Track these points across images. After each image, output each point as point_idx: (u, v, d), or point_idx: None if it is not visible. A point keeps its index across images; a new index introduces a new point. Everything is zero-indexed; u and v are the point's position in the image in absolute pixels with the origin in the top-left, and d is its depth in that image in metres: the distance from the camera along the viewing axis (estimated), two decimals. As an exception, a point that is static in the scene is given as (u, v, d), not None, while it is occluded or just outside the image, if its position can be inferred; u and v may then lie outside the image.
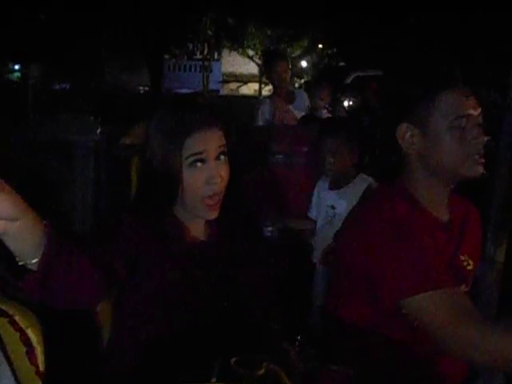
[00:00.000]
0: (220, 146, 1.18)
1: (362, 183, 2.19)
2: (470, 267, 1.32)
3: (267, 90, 18.84)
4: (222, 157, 1.19)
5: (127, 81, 16.19)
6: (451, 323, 1.09)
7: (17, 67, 15.95)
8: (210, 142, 1.17)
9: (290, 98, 3.71)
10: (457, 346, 1.10)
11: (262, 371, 0.91)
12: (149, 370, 1.13)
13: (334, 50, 17.75)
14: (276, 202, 2.66)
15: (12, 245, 0.87)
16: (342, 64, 16.68)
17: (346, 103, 7.03)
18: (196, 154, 1.15)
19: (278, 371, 0.94)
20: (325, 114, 3.87)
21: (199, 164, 1.16)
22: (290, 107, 3.69)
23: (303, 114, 3.73)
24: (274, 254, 1.35)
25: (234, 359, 0.92)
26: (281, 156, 2.84)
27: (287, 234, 2.22)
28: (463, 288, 1.29)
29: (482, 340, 1.06)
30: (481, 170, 1.21)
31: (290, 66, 3.86)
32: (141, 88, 17.16)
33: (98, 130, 3.84)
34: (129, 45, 15.04)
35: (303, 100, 3.85)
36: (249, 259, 1.30)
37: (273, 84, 3.80)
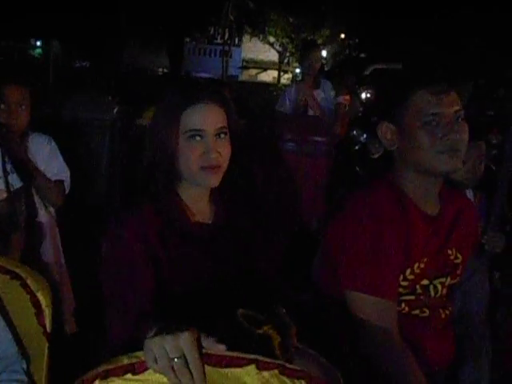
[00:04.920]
0: (220, 124, 1.19)
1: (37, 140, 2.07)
2: (457, 260, 1.37)
3: (286, 78, 18.75)
4: (223, 135, 1.20)
5: (146, 62, 16.24)
6: (373, 329, 1.21)
7: (39, 43, 16.05)
8: (207, 118, 1.18)
9: (316, 84, 4.03)
10: (369, 349, 1.23)
11: (260, 331, 0.97)
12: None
13: (356, 40, 17.59)
14: (287, 188, 2.71)
15: None
16: (362, 55, 16.54)
17: (363, 95, 7.02)
18: (193, 130, 1.17)
19: (273, 338, 0.99)
20: (341, 99, 4.10)
21: (197, 138, 1.18)
22: (315, 93, 3.96)
23: (326, 101, 4.01)
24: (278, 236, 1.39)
25: (241, 310, 0.98)
26: (291, 143, 2.90)
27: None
28: (449, 280, 1.36)
29: (390, 355, 1.20)
30: (455, 164, 1.25)
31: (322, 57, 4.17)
32: (160, 70, 17.20)
33: (115, 110, 3.92)
34: (149, 26, 15.05)
35: (327, 87, 4.14)
36: (255, 243, 1.31)
37: (303, 70, 4.15)
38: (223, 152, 1.20)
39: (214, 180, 1.20)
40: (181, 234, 1.21)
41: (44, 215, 2.04)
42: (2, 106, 1.94)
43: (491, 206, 1.95)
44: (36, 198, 2.01)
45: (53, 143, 2.09)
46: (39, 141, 2.07)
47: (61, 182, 2.06)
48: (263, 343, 0.98)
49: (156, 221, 1.19)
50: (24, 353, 1.10)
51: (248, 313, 1.00)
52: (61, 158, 2.09)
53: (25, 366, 1.09)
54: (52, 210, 2.07)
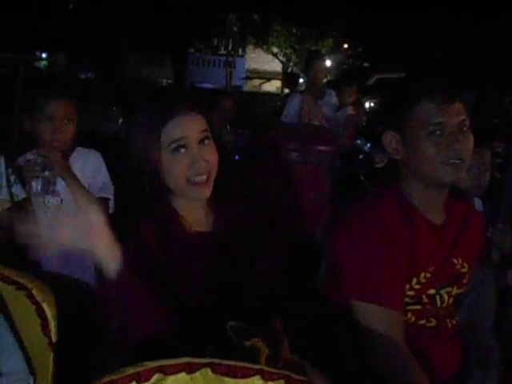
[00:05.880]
0: (202, 131, 1.18)
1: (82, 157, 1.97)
2: (463, 269, 1.37)
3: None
4: (206, 141, 1.19)
5: (150, 73, 16.34)
6: (380, 339, 1.21)
7: (44, 55, 16.20)
8: (189, 127, 1.17)
9: (320, 94, 4.03)
10: (376, 359, 1.22)
11: (249, 343, 0.98)
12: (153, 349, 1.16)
13: (359, 50, 17.67)
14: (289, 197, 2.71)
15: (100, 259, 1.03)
16: (366, 65, 16.59)
17: (367, 104, 7.06)
18: (176, 140, 1.16)
19: (261, 350, 1.00)
20: (350, 110, 4.06)
21: (182, 150, 1.16)
22: (319, 103, 3.96)
23: (330, 111, 4.04)
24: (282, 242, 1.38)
25: (230, 324, 0.99)
26: (295, 153, 2.91)
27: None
28: (455, 290, 1.35)
29: (397, 364, 1.20)
30: (459, 174, 1.25)
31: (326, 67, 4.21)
32: (164, 81, 17.29)
33: (120, 121, 3.95)
34: (154, 38, 15.16)
35: (331, 97, 4.14)
36: (256, 251, 1.29)
37: (307, 79, 4.17)
38: (210, 159, 1.19)
39: (204, 192, 1.19)
40: (179, 244, 1.18)
41: None
42: (48, 121, 1.85)
43: (500, 202, 1.95)
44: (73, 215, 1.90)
45: (100, 159, 2.00)
46: (87, 156, 1.98)
47: (105, 199, 1.93)
48: (250, 355, 0.98)
49: (155, 233, 1.16)
50: (31, 368, 1.09)
51: (238, 325, 1.00)
52: (107, 175, 1.98)
53: (31, 381, 1.08)
54: None
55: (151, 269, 1.13)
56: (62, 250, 1.88)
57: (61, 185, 1.88)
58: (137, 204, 1.21)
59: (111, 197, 1.96)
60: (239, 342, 0.97)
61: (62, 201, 1.90)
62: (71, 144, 1.94)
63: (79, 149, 1.99)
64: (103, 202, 1.93)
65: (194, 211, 1.24)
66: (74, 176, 1.88)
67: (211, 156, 1.19)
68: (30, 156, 1.85)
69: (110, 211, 1.95)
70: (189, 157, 1.17)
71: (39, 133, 1.87)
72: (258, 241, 1.31)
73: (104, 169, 2.00)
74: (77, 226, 1.04)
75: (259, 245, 1.31)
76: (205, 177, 1.18)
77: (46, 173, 1.84)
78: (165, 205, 1.22)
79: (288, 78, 5.61)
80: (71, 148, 1.96)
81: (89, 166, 1.96)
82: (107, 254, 1.05)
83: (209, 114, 1.23)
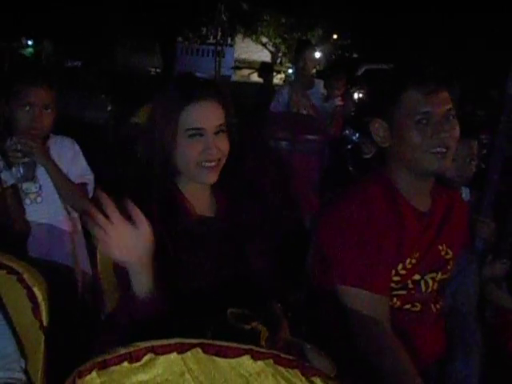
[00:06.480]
0: (219, 121, 1.23)
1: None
2: (448, 256, 1.40)
3: (279, 78, 18.79)
4: (221, 133, 1.24)
5: (139, 62, 16.20)
6: (366, 324, 1.23)
7: (30, 43, 15.98)
8: (208, 115, 1.21)
9: (309, 84, 4.03)
10: (362, 342, 1.25)
11: (248, 327, 1.02)
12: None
13: (348, 41, 17.67)
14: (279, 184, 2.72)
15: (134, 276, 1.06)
16: (355, 56, 16.60)
17: (355, 95, 7.06)
18: (194, 128, 1.20)
19: (261, 332, 1.02)
20: (338, 101, 4.08)
21: (197, 136, 1.21)
22: (308, 93, 3.96)
23: (319, 101, 4.03)
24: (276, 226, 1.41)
25: (231, 310, 1.03)
26: (284, 142, 2.93)
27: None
28: (440, 275, 1.38)
29: (382, 347, 1.23)
30: (445, 164, 1.28)
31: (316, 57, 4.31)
32: (152, 70, 17.16)
33: (108, 108, 3.93)
34: (142, 26, 15.03)
35: (320, 88, 4.14)
36: (255, 238, 1.32)
37: (297, 69, 4.15)
38: (222, 147, 1.23)
39: (212, 177, 1.24)
40: (183, 228, 1.22)
41: (62, 218, 1.93)
42: (27, 108, 1.85)
43: (483, 193, 1.98)
44: (52, 202, 1.91)
45: (76, 146, 2.00)
46: (62, 144, 1.98)
47: (84, 184, 1.95)
48: (251, 337, 1.01)
49: (160, 215, 1.19)
50: (22, 351, 1.11)
51: (238, 311, 1.03)
52: (84, 161, 2.00)
53: (23, 364, 1.09)
54: (76, 215, 1.96)
55: (155, 251, 1.14)
56: (43, 236, 1.90)
57: (40, 171, 1.89)
58: (144, 185, 1.24)
59: (91, 182, 1.98)
60: (240, 326, 1.00)
61: (40, 187, 1.91)
62: (49, 132, 1.94)
63: (54, 136, 1.99)
64: (83, 187, 1.95)
65: (199, 196, 1.28)
66: (53, 163, 1.89)
67: (223, 145, 1.24)
68: (10, 142, 1.84)
69: (90, 196, 1.97)
70: (203, 143, 1.21)
71: (18, 119, 1.87)
72: (257, 227, 1.34)
73: (81, 155, 2.01)
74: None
75: (258, 232, 1.34)
76: (214, 163, 1.23)
77: (27, 159, 1.84)
78: (172, 187, 1.26)
79: (261, 68, 5.67)
80: (48, 136, 1.95)
81: (65, 153, 1.97)
82: None
83: (228, 106, 1.26)
